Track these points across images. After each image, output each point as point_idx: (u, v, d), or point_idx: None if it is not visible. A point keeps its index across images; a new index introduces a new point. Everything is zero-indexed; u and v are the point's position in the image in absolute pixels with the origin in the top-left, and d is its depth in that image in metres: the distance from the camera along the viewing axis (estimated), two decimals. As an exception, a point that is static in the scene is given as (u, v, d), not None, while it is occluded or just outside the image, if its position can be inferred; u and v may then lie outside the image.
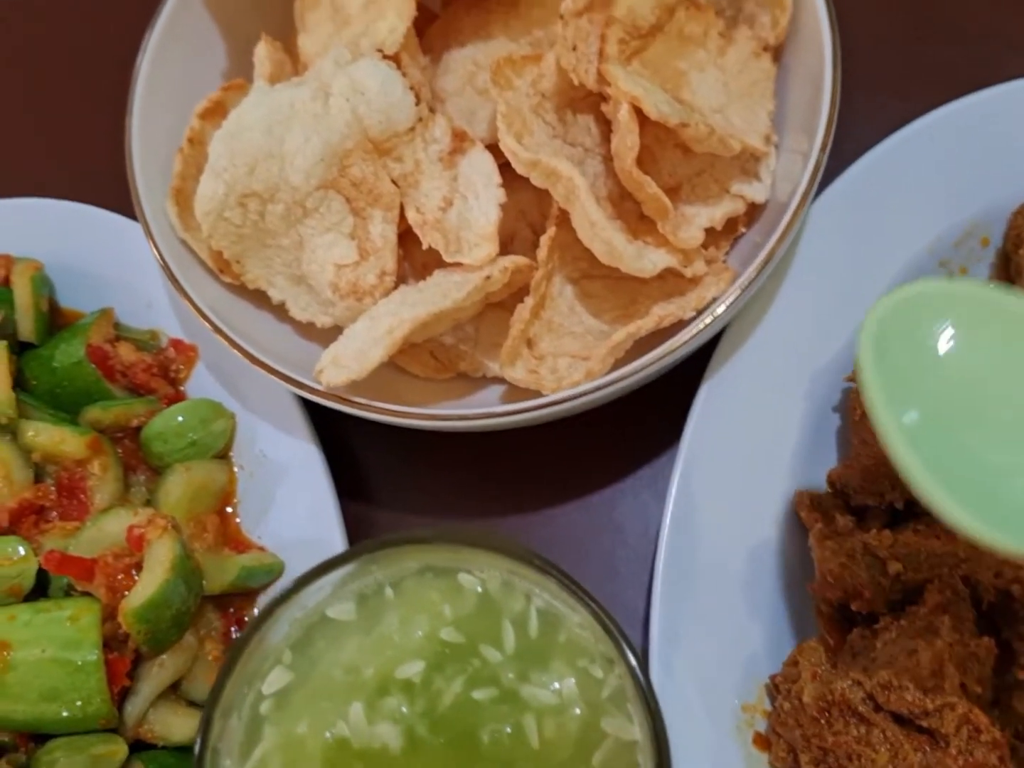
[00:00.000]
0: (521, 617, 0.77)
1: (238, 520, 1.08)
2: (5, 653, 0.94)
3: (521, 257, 0.98)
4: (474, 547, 0.75)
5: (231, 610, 1.05)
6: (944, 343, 0.76)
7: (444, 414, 0.95)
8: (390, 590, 0.79)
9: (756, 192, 1.02)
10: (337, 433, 1.11)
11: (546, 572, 0.73)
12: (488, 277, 0.93)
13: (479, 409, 0.95)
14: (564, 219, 0.99)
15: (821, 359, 1.05)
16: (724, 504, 1.03)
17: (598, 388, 0.93)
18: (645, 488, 1.10)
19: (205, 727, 0.74)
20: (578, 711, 0.74)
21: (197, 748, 0.74)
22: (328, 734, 0.75)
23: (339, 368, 0.95)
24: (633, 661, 0.71)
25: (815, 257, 1.06)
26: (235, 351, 0.98)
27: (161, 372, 1.10)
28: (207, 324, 0.99)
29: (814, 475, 1.04)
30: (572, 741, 0.74)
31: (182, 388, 1.12)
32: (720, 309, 0.94)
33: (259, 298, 1.07)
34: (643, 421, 1.11)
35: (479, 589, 0.78)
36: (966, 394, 0.75)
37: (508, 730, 0.74)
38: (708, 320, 0.94)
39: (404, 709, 0.75)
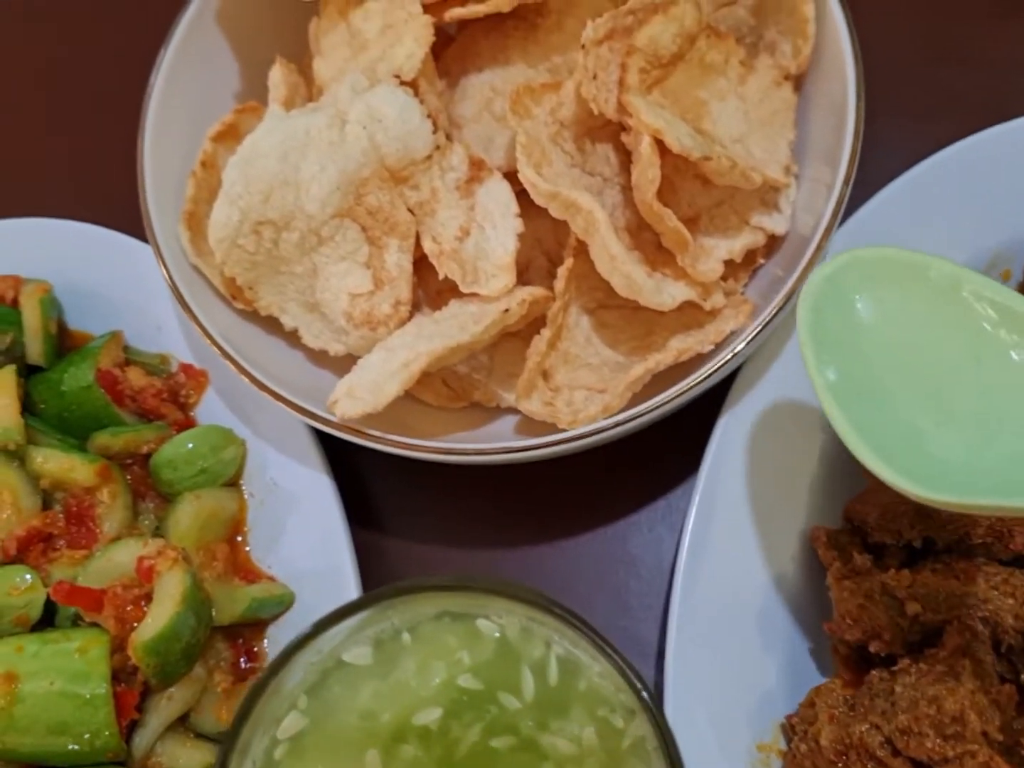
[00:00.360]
0: (540, 664, 0.76)
1: (248, 549, 1.07)
2: (13, 686, 0.93)
3: (539, 288, 0.97)
4: (494, 594, 0.74)
5: (240, 641, 1.04)
6: (873, 307, 0.81)
7: (459, 448, 0.94)
8: (407, 635, 0.78)
9: (776, 224, 1.01)
10: (348, 461, 1.10)
11: (567, 621, 0.72)
12: (506, 311, 0.92)
13: (495, 444, 0.94)
14: (581, 250, 0.98)
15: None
16: (740, 539, 1.02)
17: (616, 424, 0.92)
18: (660, 521, 1.09)
19: (220, 773, 0.73)
20: (597, 761, 0.73)
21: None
22: (343, 783, 0.74)
23: (354, 400, 0.94)
24: (657, 714, 0.70)
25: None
26: (245, 379, 0.97)
27: (171, 397, 1.09)
28: (217, 351, 0.98)
29: (832, 508, 1.03)
30: (592, 793, 0.73)
31: (192, 414, 1.10)
32: (740, 346, 0.93)
33: (271, 325, 1.06)
34: (658, 454, 1.10)
35: (497, 635, 0.77)
36: (892, 355, 0.81)
37: (527, 780, 0.73)
38: (728, 356, 0.93)
39: (421, 757, 0.74)
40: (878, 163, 1.08)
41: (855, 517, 1.01)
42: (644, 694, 0.70)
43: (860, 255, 0.82)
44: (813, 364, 0.79)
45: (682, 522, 1.05)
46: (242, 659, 1.03)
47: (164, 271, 1.02)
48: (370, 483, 1.12)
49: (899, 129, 1.13)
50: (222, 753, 0.73)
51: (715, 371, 0.93)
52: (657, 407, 0.92)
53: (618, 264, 0.93)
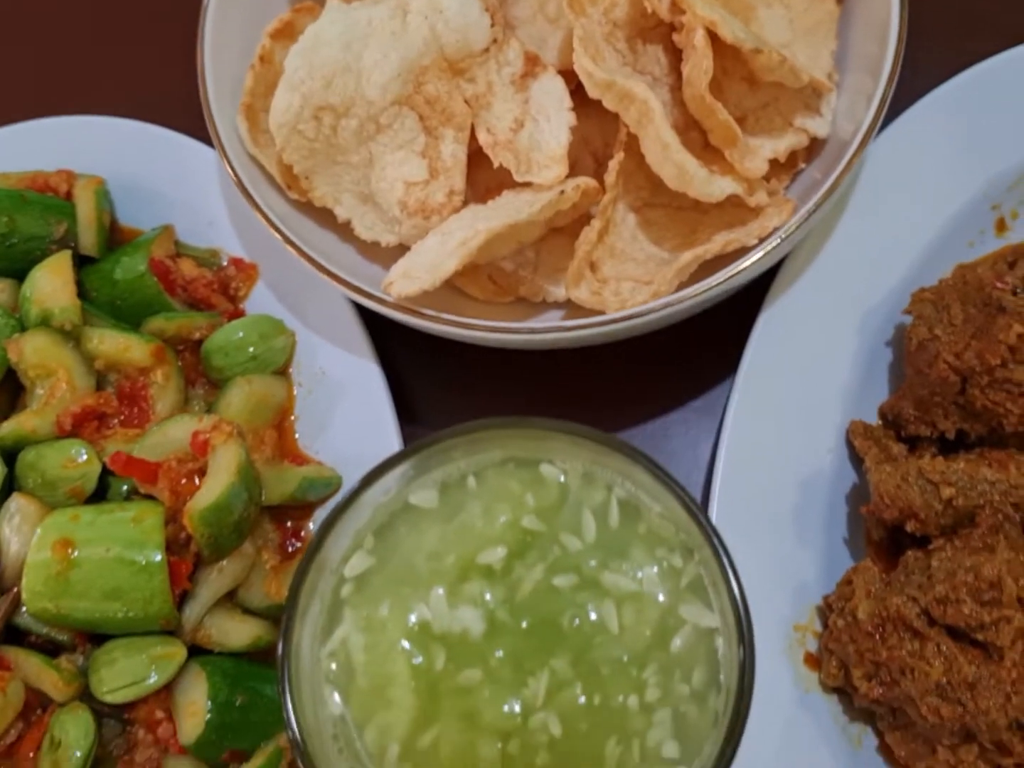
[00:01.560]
0: (602, 507, 0.78)
1: (296, 436, 1.09)
2: (69, 551, 0.95)
3: (590, 179, 0.99)
4: (560, 433, 0.76)
5: (288, 523, 1.06)
6: None
7: (511, 327, 0.96)
8: (472, 480, 0.80)
9: (818, 127, 1.04)
10: (392, 356, 1.12)
11: (633, 458, 0.75)
12: (562, 192, 0.95)
13: (547, 323, 0.96)
14: (631, 145, 1.01)
15: (876, 295, 1.07)
16: (778, 434, 1.04)
17: (666, 306, 0.94)
18: (698, 419, 1.11)
19: (291, 605, 0.75)
20: (657, 599, 0.76)
21: (283, 627, 0.75)
22: (409, 617, 0.76)
23: (410, 279, 0.96)
24: (718, 545, 0.72)
25: (872, 195, 1.08)
26: (305, 261, 1.00)
27: (221, 289, 1.11)
28: (277, 235, 1.01)
29: (865, 410, 1.06)
30: (651, 627, 0.75)
31: (241, 306, 1.12)
32: (783, 235, 0.96)
33: (324, 217, 1.09)
34: (697, 354, 1.13)
35: (561, 479, 0.79)
36: None
37: (588, 616, 0.75)
38: (775, 243, 0.95)
39: (485, 594, 0.77)
40: (913, 77, 1.11)
41: (890, 412, 1.04)
42: (708, 526, 0.73)
43: None
44: None
45: (720, 420, 1.08)
46: (289, 541, 1.05)
47: (224, 159, 1.04)
48: (410, 379, 1.14)
49: (935, 46, 1.16)
50: (293, 584, 0.76)
51: (760, 259, 0.95)
52: (704, 291, 0.94)
53: (671, 153, 0.95)
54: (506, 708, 0.74)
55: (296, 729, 0.72)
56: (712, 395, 1.12)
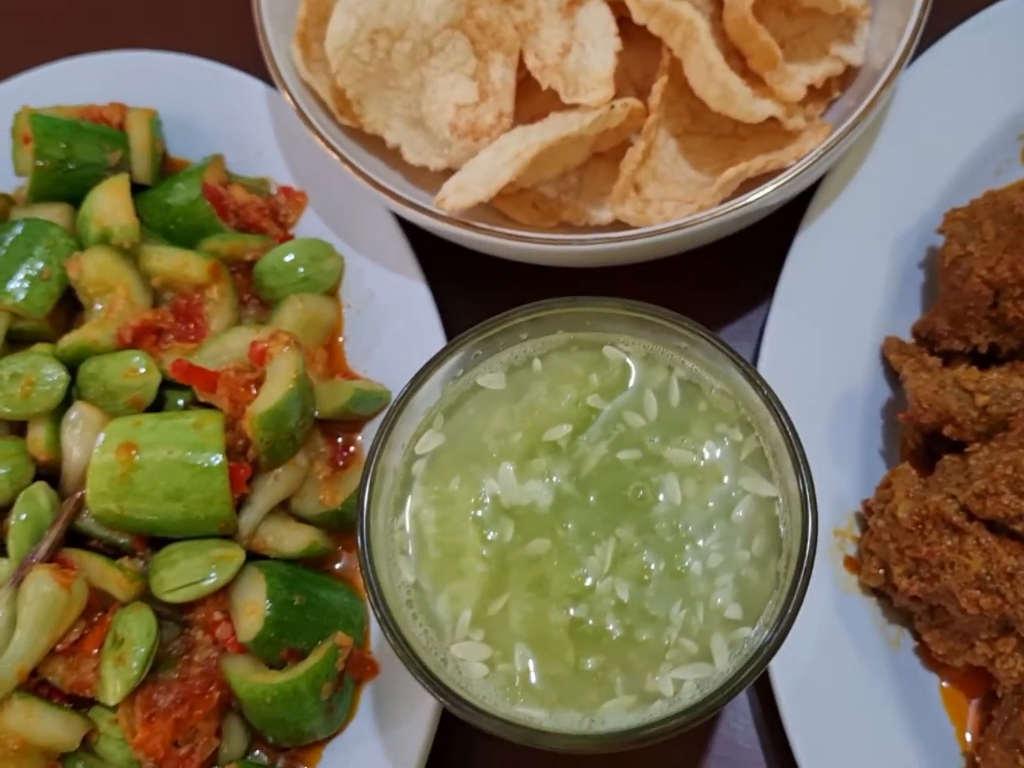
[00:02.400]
0: (663, 387, 0.82)
1: (345, 357, 1.11)
2: (133, 453, 0.97)
3: (636, 100, 1.03)
4: (623, 311, 0.80)
5: (338, 439, 1.09)
6: None
7: (560, 238, 1.00)
8: (538, 362, 0.83)
9: (853, 55, 1.08)
10: (437, 282, 1.15)
11: (696, 332, 0.78)
12: (612, 107, 0.98)
13: (595, 235, 1.00)
14: (673, 71, 1.05)
15: (907, 219, 1.11)
16: (813, 354, 1.08)
17: (711, 217, 0.98)
18: (737, 341, 1.15)
19: (368, 477, 0.78)
20: (718, 471, 0.79)
21: (360, 497, 0.77)
22: (479, 492, 0.79)
23: (464, 193, 1.00)
24: (780, 413, 0.76)
25: (903, 123, 1.12)
26: (359, 178, 1.03)
27: (271, 215, 1.14)
28: (333, 154, 1.04)
29: (899, 330, 1.10)
30: (712, 498, 0.78)
31: (291, 232, 1.15)
32: (822, 150, 1.00)
33: (373, 144, 1.12)
34: (735, 280, 1.16)
35: (623, 361, 0.82)
36: None
37: (651, 488, 0.78)
38: (814, 158, 0.99)
39: (552, 470, 0.80)
40: (943, 10, 1.14)
41: (924, 329, 1.08)
42: (770, 396, 0.76)
43: None
44: None
45: (757, 343, 1.12)
46: (340, 455, 1.08)
47: (280, 83, 1.07)
48: (460, 301, 1.17)
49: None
50: (369, 460, 0.79)
51: (800, 173, 0.99)
52: (746, 203, 0.98)
53: (715, 72, 0.99)
54: (574, 575, 0.77)
55: (376, 587, 0.75)
56: (749, 318, 1.16)
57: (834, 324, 1.08)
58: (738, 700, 1.06)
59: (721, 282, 1.16)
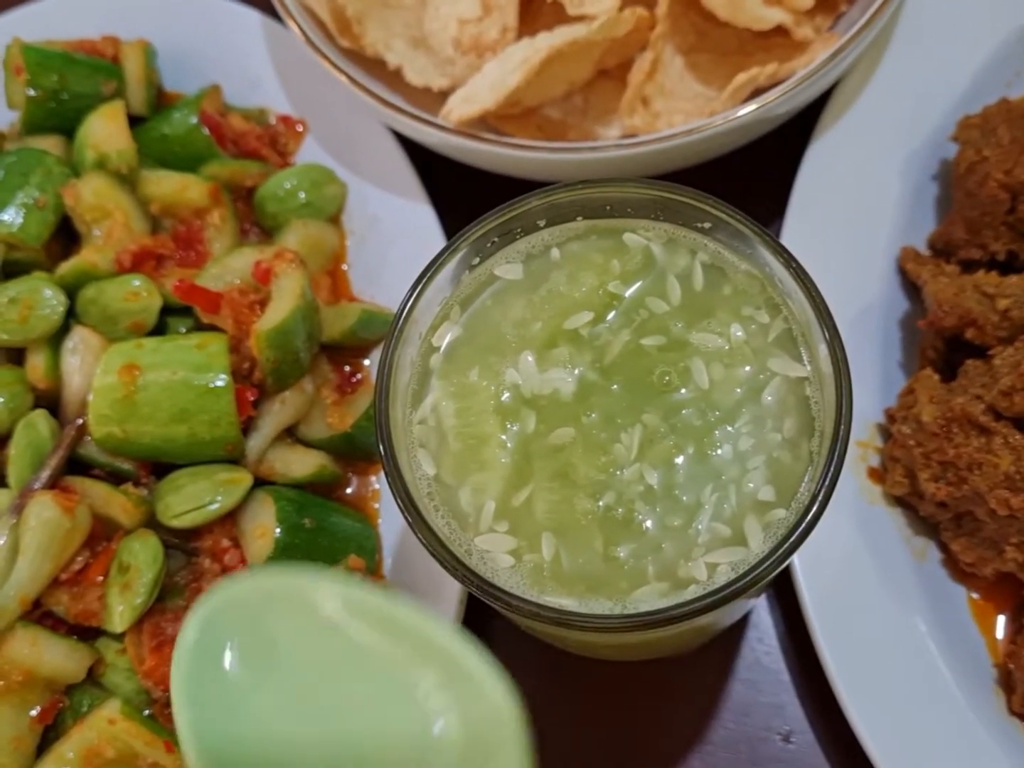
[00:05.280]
0: (686, 272, 0.80)
1: (350, 284, 1.09)
2: (136, 374, 0.94)
3: (643, 9, 1.01)
4: (647, 191, 0.77)
5: (345, 368, 1.06)
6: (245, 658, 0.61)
7: (570, 146, 0.98)
8: (556, 251, 0.81)
9: (861, -36, 1.07)
10: (441, 205, 1.12)
11: (720, 210, 0.76)
12: (620, 11, 0.97)
13: (605, 142, 0.97)
14: (679, -16, 1.03)
15: (919, 132, 1.09)
16: (828, 269, 1.04)
17: (725, 121, 0.96)
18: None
19: (385, 368, 0.75)
20: (745, 354, 0.77)
21: (381, 389, 0.75)
22: (499, 382, 0.77)
23: (471, 103, 0.97)
24: (811, 287, 0.74)
25: (912, 37, 1.11)
26: (364, 94, 1.01)
27: (270, 143, 1.12)
28: (338, 73, 1.01)
29: (914, 242, 1.07)
30: (741, 382, 0.76)
31: (291, 160, 1.13)
32: (832, 54, 0.98)
33: (374, 68, 1.10)
34: (746, 198, 1.13)
35: (645, 246, 0.80)
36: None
37: (677, 373, 0.76)
38: (822, 61, 0.97)
39: (574, 358, 0.77)
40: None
41: (940, 240, 1.06)
42: (799, 270, 0.74)
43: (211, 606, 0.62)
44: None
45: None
46: (347, 382, 1.05)
47: (281, 6, 1.05)
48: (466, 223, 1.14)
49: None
50: (386, 350, 0.76)
51: (808, 77, 0.97)
52: (758, 107, 0.96)
53: (723, -24, 0.97)
54: (600, 462, 0.74)
55: (398, 476, 0.72)
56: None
57: (848, 237, 1.06)
58: (761, 621, 1.03)
59: (733, 200, 1.13)
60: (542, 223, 0.80)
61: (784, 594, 1.02)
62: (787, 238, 1.05)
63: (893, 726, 0.91)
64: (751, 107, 0.97)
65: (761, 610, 1.03)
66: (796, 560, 0.95)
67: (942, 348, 1.01)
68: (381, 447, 0.73)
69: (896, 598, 0.95)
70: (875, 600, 0.95)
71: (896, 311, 1.06)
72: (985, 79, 1.10)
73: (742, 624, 1.03)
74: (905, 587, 0.96)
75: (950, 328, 0.97)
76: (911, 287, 1.05)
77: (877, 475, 0.99)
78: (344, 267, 1.10)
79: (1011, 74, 1.12)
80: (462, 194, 1.12)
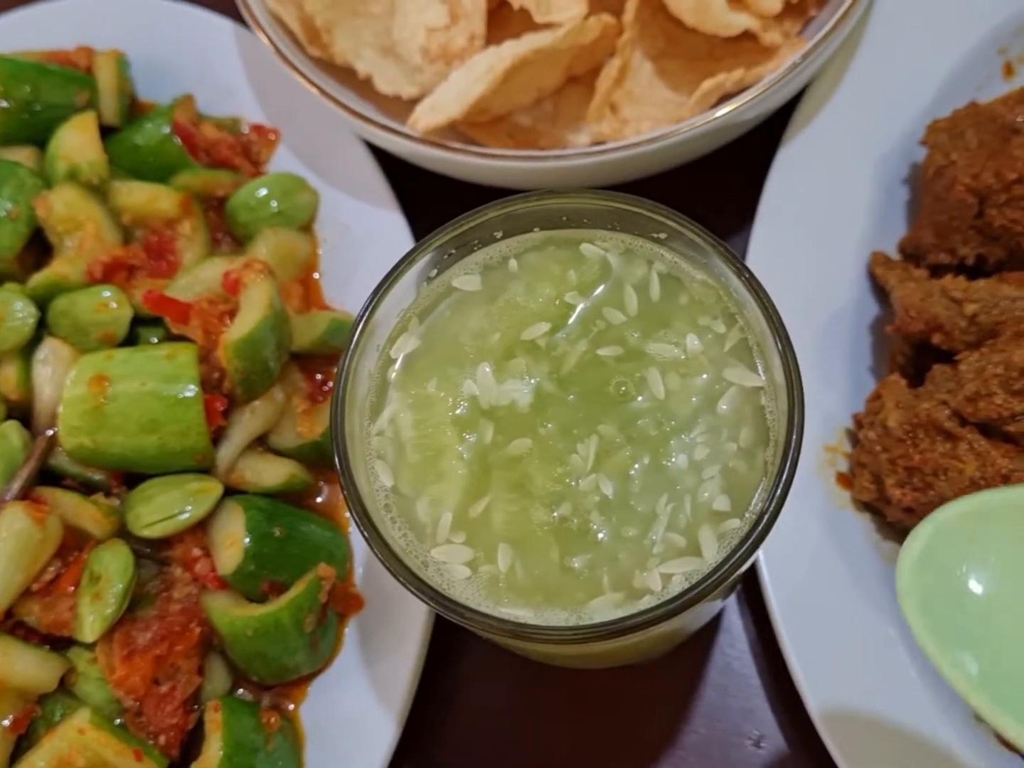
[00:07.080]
0: (643, 282, 0.80)
1: (322, 293, 1.09)
2: (105, 385, 0.95)
3: (609, 16, 1.01)
4: (603, 202, 0.78)
5: (317, 376, 1.07)
6: (983, 570, 0.69)
7: (538, 154, 0.98)
8: (514, 262, 0.81)
9: (829, -31, 1.07)
10: (412, 214, 1.13)
11: (676, 221, 0.76)
12: (586, 18, 0.97)
13: (573, 150, 0.98)
14: (647, -9, 1.03)
15: (889, 136, 1.09)
16: (797, 274, 1.06)
17: (691, 127, 0.96)
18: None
19: (341, 381, 0.75)
20: (701, 364, 0.77)
21: (334, 400, 0.75)
22: (456, 394, 0.77)
23: (437, 112, 0.98)
24: (764, 299, 0.74)
25: (882, 41, 1.11)
26: (332, 104, 1.01)
27: (243, 152, 1.12)
28: (307, 84, 1.02)
29: (883, 248, 1.08)
30: (697, 391, 0.76)
31: (264, 168, 1.13)
32: (801, 57, 0.98)
33: (344, 77, 1.10)
34: (716, 203, 1.14)
35: (601, 257, 0.80)
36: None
37: (633, 383, 0.76)
38: (791, 66, 0.97)
39: (532, 369, 0.78)
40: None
41: (910, 244, 1.06)
42: (753, 282, 0.74)
43: (942, 521, 0.69)
44: (947, 666, 0.68)
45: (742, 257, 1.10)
46: (318, 391, 1.06)
47: (247, 13, 1.05)
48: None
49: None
50: (342, 363, 0.76)
51: (777, 82, 0.97)
52: (727, 112, 0.96)
53: (688, -18, 0.98)
54: (557, 473, 0.75)
55: (352, 488, 0.72)
56: (732, 242, 1.14)
57: (818, 242, 1.07)
58: (732, 626, 1.04)
59: (701, 208, 1.13)
60: (499, 234, 0.80)
61: (754, 598, 1.02)
62: (756, 243, 1.06)
63: (860, 731, 0.91)
64: (719, 113, 0.97)
65: (731, 614, 1.04)
66: (764, 565, 0.95)
67: (910, 353, 1.01)
68: (337, 459, 0.73)
69: (865, 603, 0.96)
70: (844, 605, 0.95)
71: (866, 316, 1.06)
72: (955, 83, 1.10)
73: (712, 629, 1.03)
74: (874, 592, 0.96)
75: (917, 333, 0.97)
76: (881, 292, 1.05)
77: (845, 480, 1.00)
78: (316, 275, 1.10)
79: (982, 78, 1.12)
80: (434, 201, 1.12)
